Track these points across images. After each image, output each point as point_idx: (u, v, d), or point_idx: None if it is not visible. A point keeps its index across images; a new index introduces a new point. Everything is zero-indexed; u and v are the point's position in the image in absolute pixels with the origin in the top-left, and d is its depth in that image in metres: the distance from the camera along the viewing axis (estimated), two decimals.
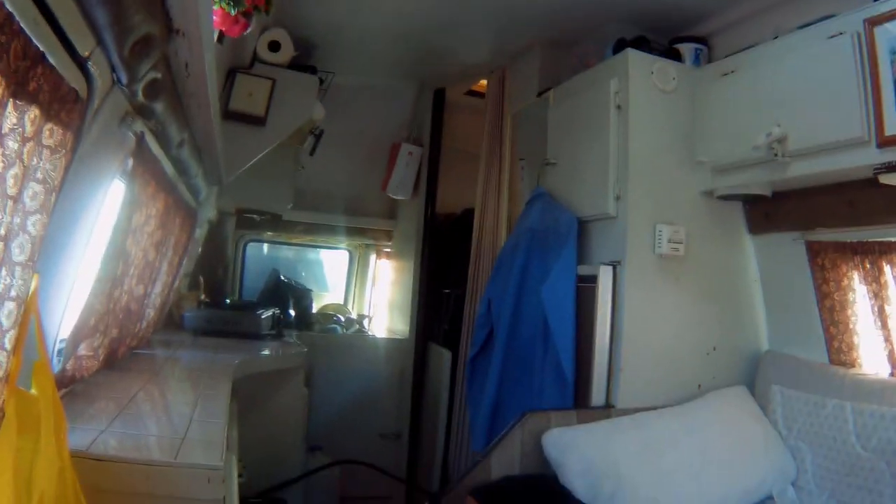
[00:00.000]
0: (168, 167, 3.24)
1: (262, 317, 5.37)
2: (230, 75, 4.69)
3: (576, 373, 4.01)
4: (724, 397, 3.97)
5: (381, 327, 7.72)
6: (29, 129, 1.43)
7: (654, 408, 3.86)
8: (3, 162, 1.35)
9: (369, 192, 7.22)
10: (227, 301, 6.45)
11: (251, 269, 7.45)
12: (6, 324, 1.49)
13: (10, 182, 1.39)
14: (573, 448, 3.54)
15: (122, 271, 2.85)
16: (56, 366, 2.42)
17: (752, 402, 3.97)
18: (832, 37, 3.17)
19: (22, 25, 1.33)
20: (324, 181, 6.91)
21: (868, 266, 3.64)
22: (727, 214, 4.22)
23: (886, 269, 3.57)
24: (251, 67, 4.86)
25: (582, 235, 4.23)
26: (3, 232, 1.41)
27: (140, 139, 2.45)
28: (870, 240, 3.58)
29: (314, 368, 6.13)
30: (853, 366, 3.71)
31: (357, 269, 8.01)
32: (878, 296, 3.61)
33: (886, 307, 3.58)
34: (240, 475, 2.84)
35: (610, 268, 3.96)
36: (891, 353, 3.59)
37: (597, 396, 3.92)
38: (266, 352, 4.97)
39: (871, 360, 3.67)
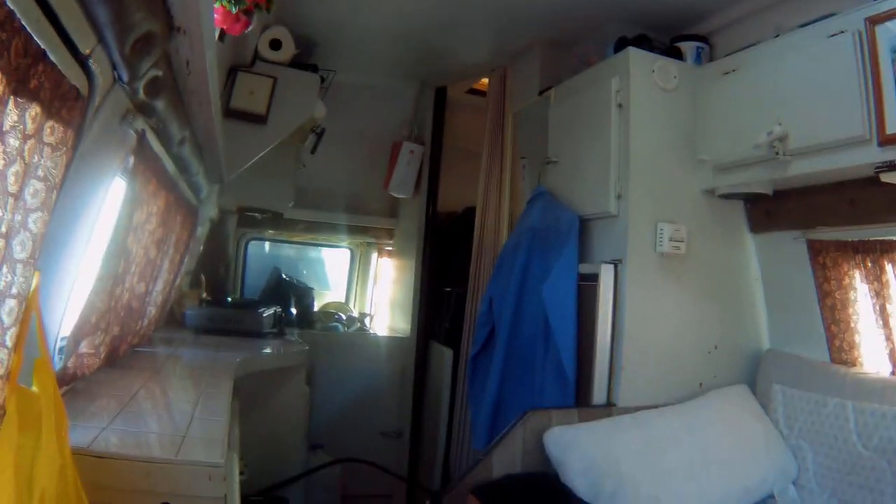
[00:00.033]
0: (169, 165, 3.25)
1: (264, 315, 5.38)
2: (231, 73, 4.69)
3: (577, 371, 4.01)
4: (725, 396, 3.97)
5: (383, 325, 7.72)
6: (30, 126, 1.43)
7: (656, 406, 3.86)
8: (4, 159, 1.35)
9: (371, 190, 7.21)
10: (229, 299, 6.46)
11: (253, 267, 7.45)
12: (7, 321, 1.49)
13: (11, 179, 1.39)
14: (574, 446, 3.54)
15: (123, 269, 2.85)
16: (57, 363, 2.42)
17: (754, 400, 3.97)
18: (833, 35, 3.17)
19: (23, 23, 1.33)
20: (325, 179, 6.90)
21: (869, 265, 3.64)
22: (728, 213, 4.21)
23: (888, 267, 3.57)
24: (252, 66, 4.86)
25: (583, 234, 4.23)
26: (4, 229, 1.41)
27: (141, 137, 2.45)
28: (871, 238, 3.58)
29: (315, 367, 6.12)
30: (854, 364, 3.71)
31: (358, 268, 8.01)
32: (880, 294, 3.61)
33: (888, 306, 3.59)
34: (241, 473, 2.84)
35: (611, 266, 3.96)
36: (892, 351, 3.59)
37: (598, 395, 3.91)
38: (267, 350, 4.97)
39: (872, 359, 3.67)
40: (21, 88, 1.37)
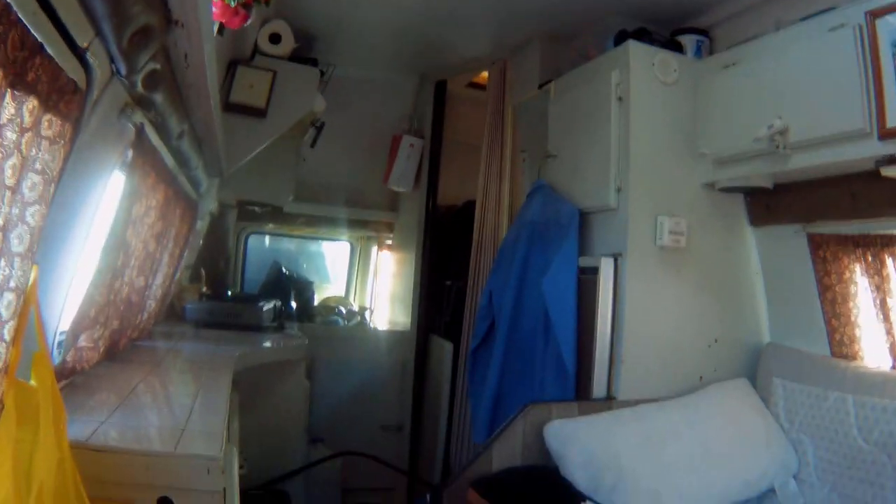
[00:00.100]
0: (168, 159, 3.24)
1: (264, 309, 5.38)
2: (231, 67, 4.69)
3: (577, 365, 4.01)
4: (725, 390, 3.97)
5: (383, 319, 7.71)
6: (27, 119, 1.43)
7: (656, 400, 3.86)
8: (1, 152, 1.35)
9: (370, 184, 7.19)
10: (229, 293, 6.47)
11: (252, 261, 7.44)
12: (5, 315, 1.49)
13: (9, 172, 1.38)
14: (574, 440, 3.54)
15: (122, 262, 2.86)
16: (56, 357, 2.42)
17: (754, 394, 3.97)
18: (834, 29, 3.16)
19: (20, 16, 1.33)
20: (325, 173, 6.89)
21: (870, 259, 3.63)
22: (728, 206, 4.21)
23: (888, 261, 3.57)
24: (252, 59, 4.86)
25: (583, 227, 4.22)
26: (1, 222, 1.41)
27: (140, 130, 2.45)
28: (872, 232, 3.58)
29: (316, 360, 6.13)
30: (855, 358, 3.71)
31: (358, 261, 8.00)
32: (880, 288, 3.61)
33: (888, 300, 3.58)
34: (241, 467, 2.84)
35: (611, 259, 3.95)
36: (892, 345, 3.58)
37: (598, 388, 3.92)
38: (267, 344, 4.98)
39: (872, 353, 3.67)
40: (18, 81, 1.37)
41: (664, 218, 3.93)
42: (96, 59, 1.79)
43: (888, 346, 3.60)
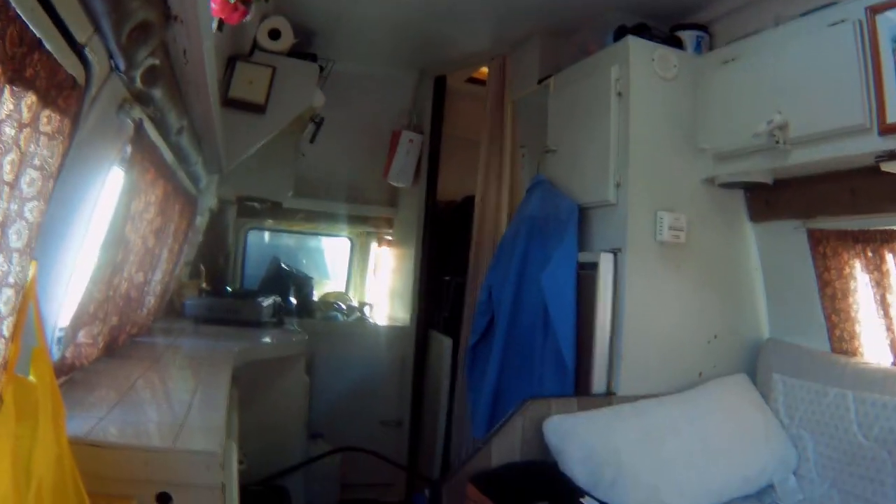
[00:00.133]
0: (167, 154, 3.23)
1: (263, 304, 5.38)
2: (230, 63, 4.68)
3: (576, 360, 4.02)
4: (725, 385, 3.97)
5: (382, 315, 7.71)
6: (26, 115, 1.43)
7: (655, 395, 3.87)
8: None
9: (370, 179, 7.19)
10: (228, 289, 6.46)
11: (252, 257, 7.44)
12: (4, 311, 1.49)
13: (7, 168, 1.38)
14: (574, 435, 3.54)
15: (121, 258, 2.85)
16: (55, 353, 2.42)
17: (754, 390, 3.97)
18: (834, 24, 3.16)
19: (18, 11, 1.32)
20: (324, 169, 6.89)
21: (870, 254, 3.63)
22: (728, 202, 4.21)
23: (888, 257, 3.57)
24: (251, 55, 4.85)
25: (582, 222, 4.23)
26: (0, 218, 1.41)
27: (139, 126, 2.45)
28: (872, 228, 3.58)
29: (315, 356, 6.13)
30: (855, 354, 3.71)
31: (358, 257, 8.00)
32: (880, 284, 3.61)
33: (888, 296, 3.58)
34: (240, 462, 2.84)
35: (610, 255, 3.96)
36: (892, 341, 3.59)
37: (597, 384, 3.92)
38: (267, 339, 4.97)
39: (872, 349, 3.67)
40: (17, 77, 1.36)
41: (664, 213, 3.93)
42: (95, 54, 1.79)
43: (888, 342, 3.60)
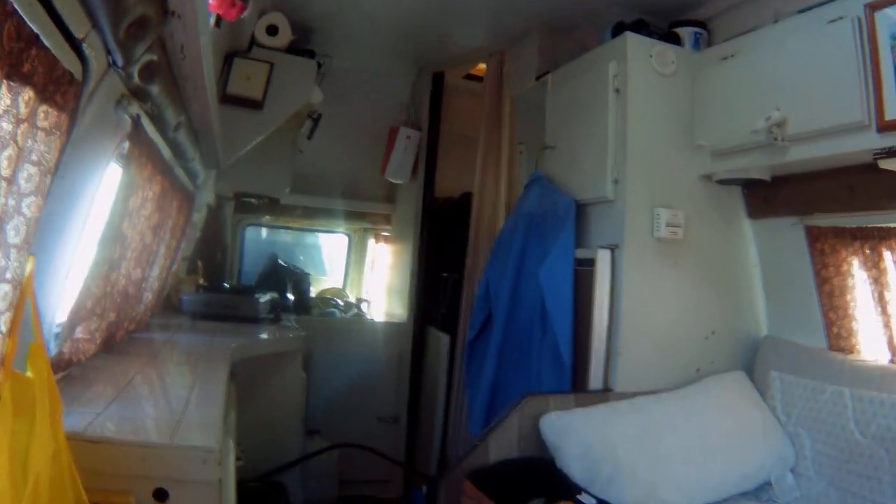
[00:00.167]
0: (165, 150, 3.23)
1: (261, 301, 5.38)
2: (228, 59, 4.68)
3: (574, 356, 4.02)
4: (722, 382, 3.97)
5: (380, 311, 7.73)
6: (23, 110, 1.42)
7: (653, 392, 3.87)
8: None
9: (368, 175, 7.20)
10: (226, 285, 6.46)
11: (249, 253, 7.46)
12: (2, 306, 1.49)
13: (4, 164, 1.38)
14: (571, 432, 3.54)
15: (119, 254, 2.85)
16: (53, 349, 2.42)
17: (751, 387, 3.97)
18: (832, 21, 3.15)
19: (16, 7, 1.32)
20: (322, 165, 6.88)
21: (868, 251, 3.63)
22: (726, 199, 4.21)
23: (886, 254, 3.57)
24: (249, 52, 4.84)
25: (580, 219, 4.22)
26: None
27: (136, 122, 2.44)
28: (869, 225, 3.58)
29: (312, 352, 6.13)
30: (852, 352, 3.71)
31: (355, 253, 8.01)
32: (878, 281, 3.61)
33: (886, 293, 3.58)
34: (238, 458, 2.84)
35: (608, 251, 3.95)
36: (890, 339, 3.58)
37: (595, 380, 3.92)
38: (264, 336, 4.97)
39: (870, 346, 3.67)
40: (14, 72, 1.36)
41: (661, 210, 3.93)
42: (93, 50, 1.79)
43: (886, 339, 3.60)
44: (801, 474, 3.60)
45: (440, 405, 5.94)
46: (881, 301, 3.59)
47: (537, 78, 4.96)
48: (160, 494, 1.93)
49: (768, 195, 4.05)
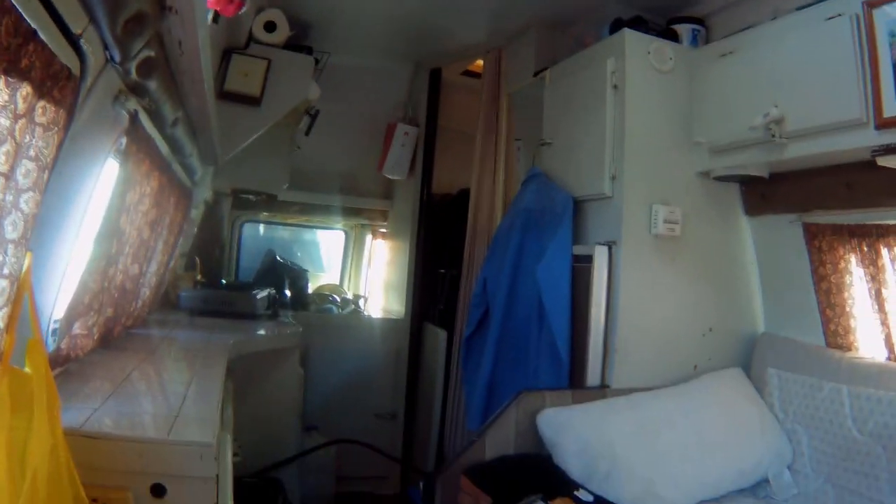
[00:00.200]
0: (162, 146, 3.23)
1: (258, 297, 5.38)
2: (226, 56, 4.67)
3: (571, 353, 4.02)
4: (720, 379, 3.98)
5: (377, 307, 7.73)
6: (21, 106, 1.42)
7: (650, 388, 3.87)
8: None
9: (365, 172, 7.20)
10: (223, 281, 6.47)
11: (247, 249, 7.45)
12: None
13: (2, 159, 1.38)
14: (568, 428, 3.55)
15: (116, 250, 2.85)
16: (50, 345, 2.42)
17: (749, 384, 3.97)
18: (831, 18, 3.15)
19: (14, 2, 1.32)
20: (319, 161, 6.88)
21: (865, 249, 3.63)
22: (724, 195, 4.21)
23: (884, 251, 3.57)
24: (247, 48, 4.83)
25: (577, 215, 4.22)
26: None
27: (134, 118, 2.44)
28: (867, 222, 3.58)
29: (310, 348, 6.14)
30: (850, 349, 3.71)
31: (353, 250, 8.01)
32: (876, 279, 3.61)
33: (883, 290, 3.58)
34: (235, 454, 2.84)
35: (605, 248, 3.95)
36: (887, 336, 3.59)
37: (592, 377, 3.92)
38: (262, 332, 4.98)
39: (867, 344, 3.67)
40: (12, 68, 1.36)
41: (659, 206, 3.93)
42: (90, 45, 1.79)
43: (883, 336, 3.60)
44: (798, 471, 3.61)
45: (437, 401, 5.94)
46: (879, 298, 3.60)
47: (535, 74, 4.95)
48: (158, 490, 1.93)
49: (766, 192, 4.05)
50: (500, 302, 4.50)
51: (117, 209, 2.65)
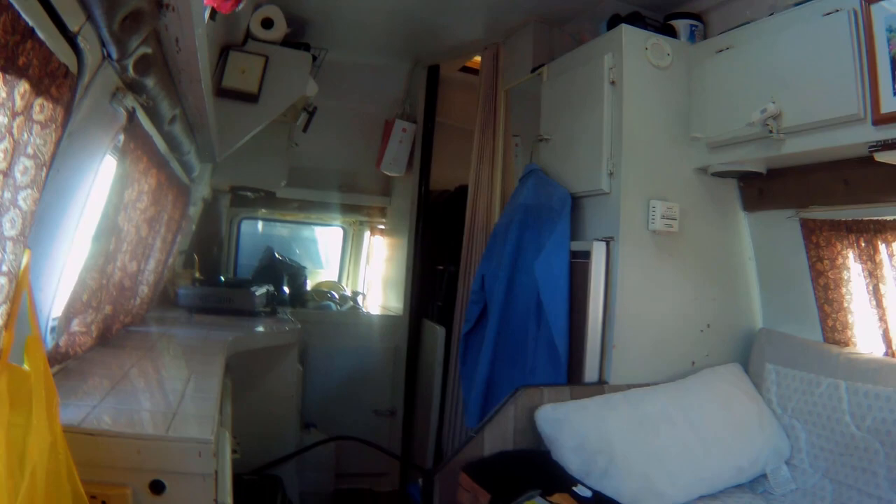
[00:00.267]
0: (160, 143, 3.23)
1: (257, 294, 5.38)
2: (223, 53, 4.67)
3: (569, 349, 4.02)
4: (718, 375, 3.98)
5: (376, 304, 7.74)
6: (19, 103, 1.42)
7: (648, 384, 3.87)
8: None
9: (363, 168, 7.21)
10: (222, 278, 6.46)
11: (246, 246, 7.45)
12: None
13: (0, 157, 1.38)
14: (566, 424, 3.55)
15: (114, 247, 2.85)
16: (49, 342, 2.42)
17: (747, 379, 3.98)
18: (828, 14, 3.15)
19: (10, 0, 1.32)
20: (317, 158, 6.90)
21: (863, 244, 3.64)
22: (721, 191, 4.22)
23: (881, 247, 3.57)
24: (244, 45, 4.83)
25: (575, 211, 4.23)
26: None
27: (131, 115, 2.44)
28: (865, 218, 3.58)
29: (308, 345, 6.15)
30: (847, 344, 3.72)
31: (351, 246, 8.02)
32: (873, 274, 3.61)
33: (881, 286, 3.58)
34: (234, 451, 2.84)
35: (603, 244, 3.95)
36: (885, 332, 3.59)
37: (590, 373, 3.92)
38: (260, 329, 4.97)
39: (865, 339, 3.68)
40: (9, 66, 1.36)
41: (657, 202, 3.93)
42: (87, 43, 1.79)
43: (881, 332, 3.60)
44: (796, 467, 3.61)
45: (436, 398, 5.95)
46: (876, 294, 3.60)
47: (532, 70, 4.95)
48: (156, 486, 1.93)
49: (764, 188, 4.05)
50: (498, 298, 4.50)
51: (115, 206, 2.65)
